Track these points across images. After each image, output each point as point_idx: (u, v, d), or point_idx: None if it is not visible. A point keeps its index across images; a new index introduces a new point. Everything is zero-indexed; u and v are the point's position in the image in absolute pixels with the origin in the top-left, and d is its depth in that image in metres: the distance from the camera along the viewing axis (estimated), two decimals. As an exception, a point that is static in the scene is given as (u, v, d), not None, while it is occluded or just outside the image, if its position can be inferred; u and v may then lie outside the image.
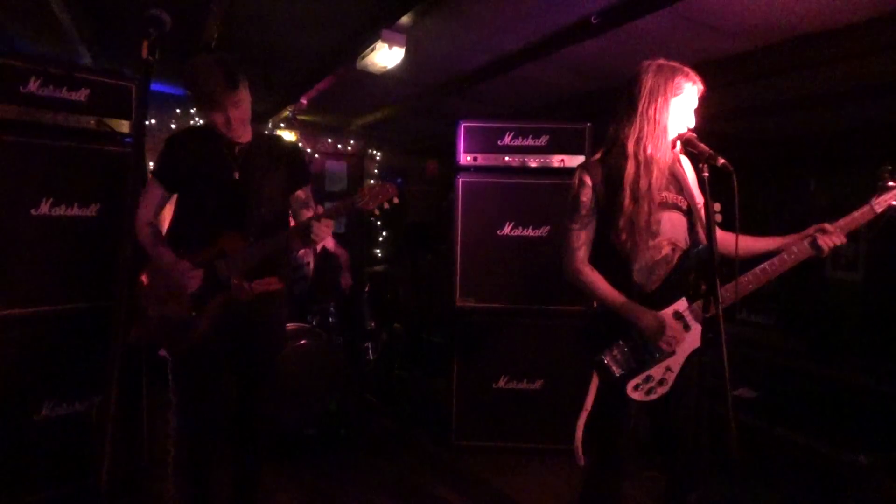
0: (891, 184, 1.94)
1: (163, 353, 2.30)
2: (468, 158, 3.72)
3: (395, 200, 2.24)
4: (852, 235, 2.03)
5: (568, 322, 3.63)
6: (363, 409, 4.03)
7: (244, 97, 2.20)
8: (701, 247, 2.06)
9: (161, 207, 2.33)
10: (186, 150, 2.28)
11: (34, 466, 2.67)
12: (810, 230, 2.03)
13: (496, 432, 3.73)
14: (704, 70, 2.08)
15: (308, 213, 2.41)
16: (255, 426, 2.52)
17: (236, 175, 2.27)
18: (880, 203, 1.94)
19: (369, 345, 4.70)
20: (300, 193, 2.46)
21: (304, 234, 2.19)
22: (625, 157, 2.00)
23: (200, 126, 2.34)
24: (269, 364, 2.52)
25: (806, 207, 4.74)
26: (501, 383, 3.72)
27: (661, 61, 2.02)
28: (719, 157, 1.76)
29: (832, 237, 1.98)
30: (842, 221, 1.99)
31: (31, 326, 2.64)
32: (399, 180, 2.27)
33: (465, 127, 3.73)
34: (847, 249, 4.25)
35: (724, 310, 1.79)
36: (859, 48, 2.65)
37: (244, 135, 2.31)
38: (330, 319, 4.21)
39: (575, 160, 3.54)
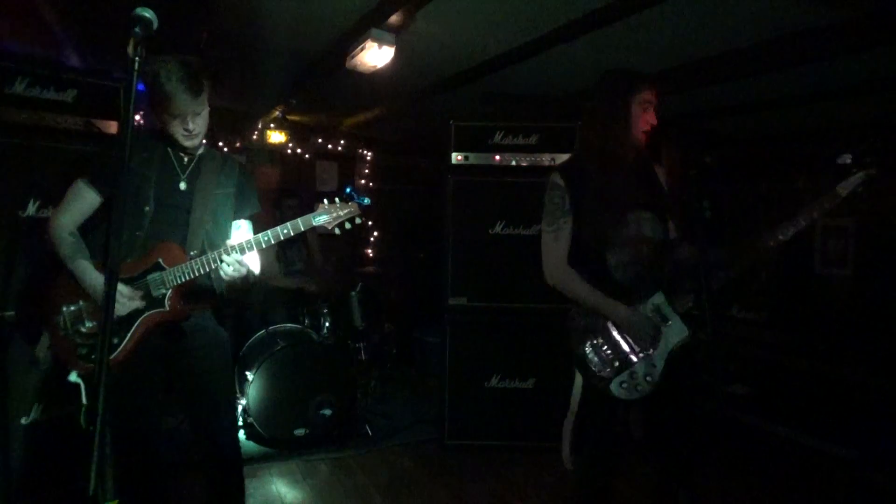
0: (854, 170, 1.99)
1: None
2: (459, 157, 3.73)
3: (358, 221, 2.08)
4: (841, 232, 2.06)
5: (559, 321, 3.62)
6: (355, 410, 4.02)
7: (205, 106, 2.05)
8: (674, 240, 2.14)
9: (86, 216, 2.10)
10: (132, 154, 1.99)
11: (22, 470, 2.64)
12: None
13: (489, 431, 3.74)
14: (697, 68, 2.10)
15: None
16: (215, 454, 2.23)
17: (182, 185, 2.12)
18: (844, 188, 2.00)
19: (361, 345, 4.69)
20: (242, 223, 2.30)
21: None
22: (593, 158, 2.11)
23: (151, 129, 2.14)
24: (213, 389, 2.22)
25: (796, 203, 4.77)
26: (494, 382, 3.73)
27: (621, 68, 2.15)
28: (694, 158, 1.83)
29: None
30: (810, 207, 2.04)
31: (22, 328, 2.59)
32: (364, 199, 2.11)
33: (455, 126, 3.74)
34: (836, 245, 4.28)
35: (713, 305, 1.82)
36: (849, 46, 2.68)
37: (198, 146, 2.16)
38: (322, 320, 4.20)
39: (565, 158, 3.54)
